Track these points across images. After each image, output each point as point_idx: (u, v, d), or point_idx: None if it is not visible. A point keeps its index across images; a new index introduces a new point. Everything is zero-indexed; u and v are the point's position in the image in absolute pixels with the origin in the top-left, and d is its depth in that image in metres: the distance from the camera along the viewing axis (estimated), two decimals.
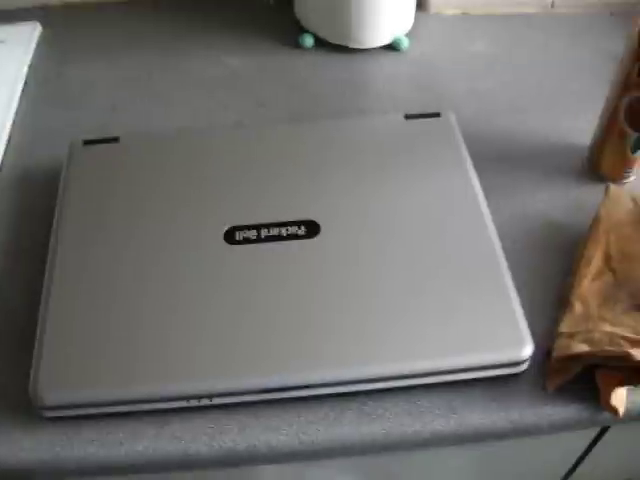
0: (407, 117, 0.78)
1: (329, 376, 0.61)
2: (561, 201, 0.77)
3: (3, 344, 0.67)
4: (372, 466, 0.76)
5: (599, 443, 0.78)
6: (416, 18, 0.95)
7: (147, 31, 0.98)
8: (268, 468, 0.72)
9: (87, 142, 0.77)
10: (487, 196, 0.72)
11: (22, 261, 0.73)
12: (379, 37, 0.92)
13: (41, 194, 0.77)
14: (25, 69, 0.92)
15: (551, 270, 0.71)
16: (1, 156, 0.83)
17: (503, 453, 0.76)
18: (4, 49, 0.94)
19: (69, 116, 0.87)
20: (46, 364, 0.61)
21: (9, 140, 0.85)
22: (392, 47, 0.94)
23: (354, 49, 0.93)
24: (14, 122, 0.86)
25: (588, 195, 0.77)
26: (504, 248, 0.68)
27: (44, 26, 0.98)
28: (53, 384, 0.61)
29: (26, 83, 0.91)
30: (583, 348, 0.61)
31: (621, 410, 0.61)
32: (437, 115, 0.78)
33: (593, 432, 0.76)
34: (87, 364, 0.62)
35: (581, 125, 0.82)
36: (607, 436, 0.76)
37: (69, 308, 0.64)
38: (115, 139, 0.77)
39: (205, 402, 0.61)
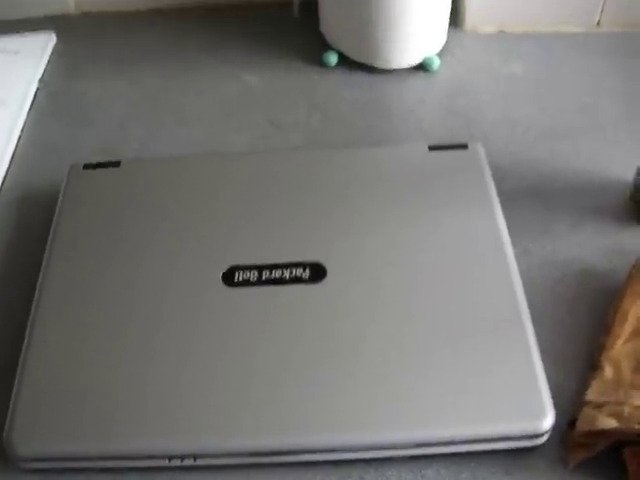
0: (431, 148, 0.72)
1: (327, 441, 0.56)
2: (598, 245, 0.70)
3: None
4: None
5: None
6: (449, 36, 0.90)
7: (166, 44, 0.94)
8: None
9: (87, 166, 0.73)
10: (515, 238, 0.66)
11: (13, 287, 0.69)
12: (408, 56, 0.87)
13: (40, 214, 0.73)
14: (35, 82, 0.89)
15: (582, 325, 0.64)
16: (4, 172, 0.80)
17: None
18: (16, 61, 0.91)
19: (76, 133, 0.84)
20: (23, 412, 0.57)
21: (13, 156, 0.81)
22: (422, 67, 0.88)
23: (381, 69, 0.88)
24: (20, 137, 0.84)
25: (630, 239, 0.70)
26: (531, 298, 0.62)
27: (60, 36, 0.95)
28: (29, 434, 0.56)
29: (36, 96, 0.88)
30: (611, 424, 0.55)
31: None
32: (464, 147, 0.73)
33: None
34: (67, 414, 0.57)
35: (625, 158, 0.75)
36: None
37: (51, 351, 0.60)
38: (116, 163, 0.73)
39: (188, 462, 0.56)
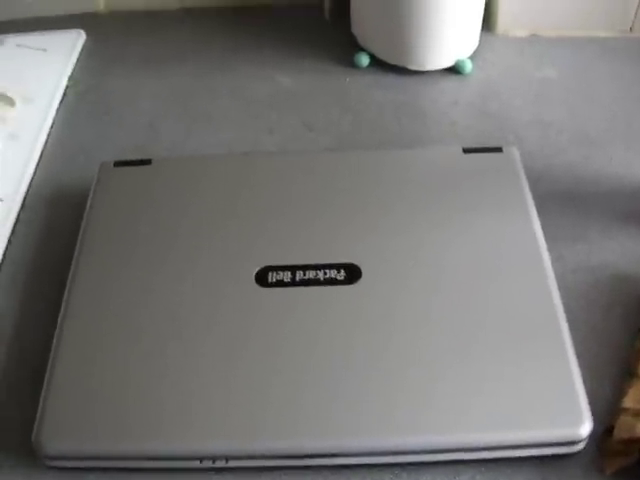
0: (466, 151, 0.71)
1: (361, 445, 0.55)
2: (634, 251, 0.69)
3: (13, 384, 0.62)
4: None
5: None
6: (481, 39, 0.89)
7: (197, 44, 0.94)
8: None
9: (118, 163, 0.72)
10: (550, 243, 0.65)
11: (43, 288, 0.69)
12: (441, 59, 0.86)
13: (70, 214, 0.73)
14: (65, 80, 0.89)
15: (616, 331, 0.63)
16: (32, 171, 0.79)
17: None
18: (45, 58, 0.91)
19: (105, 132, 0.84)
20: (52, 411, 0.56)
21: (42, 155, 0.81)
22: (454, 70, 0.87)
23: (413, 71, 0.87)
24: (49, 136, 0.83)
25: None
26: (565, 304, 0.61)
27: (89, 34, 0.95)
28: (58, 433, 0.56)
29: (65, 95, 0.88)
30: None
31: None
32: (499, 150, 0.72)
33: None
34: (96, 414, 0.56)
35: None
36: None
37: (81, 351, 0.59)
38: (147, 161, 0.72)
39: (220, 464, 0.56)
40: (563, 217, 0.72)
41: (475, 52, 0.89)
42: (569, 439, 0.55)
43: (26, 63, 0.89)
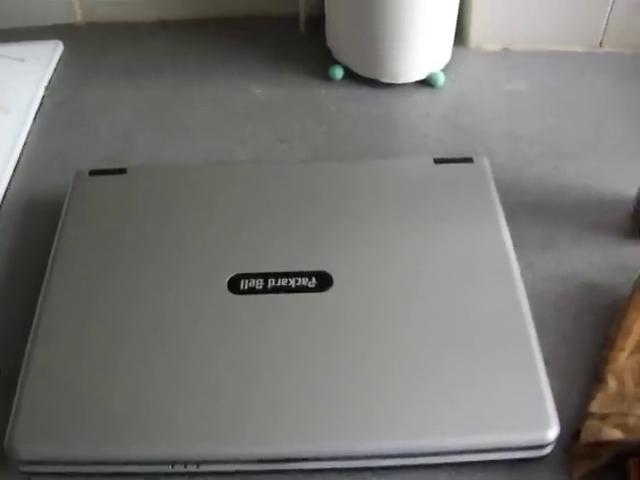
0: (437, 161, 0.73)
1: (332, 449, 0.55)
2: (600, 260, 0.70)
3: None
4: None
5: None
6: (454, 53, 0.90)
7: (174, 56, 0.95)
8: None
9: (93, 172, 0.73)
10: (519, 252, 0.66)
11: (17, 295, 0.69)
12: (413, 72, 0.87)
13: (45, 222, 0.73)
14: (42, 90, 0.89)
15: (585, 339, 0.64)
16: (8, 179, 0.79)
17: None
18: (23, 68, 0.91)
19: (81, 142, 0.84)
20: (25, 415, 0.56)
21: (17, 163, 0.81)
22: (427, 83, 0.88)
23: (386, 83, 0.88)
24: (25, 144, 0.83)
25: (631, 254, 0.70)
26: (535, 312, 0.62)
27: (67, 45, 0.95)
28: (31, 437, 0.56)
29: (42, 104, 0.88)
30: (615, 434, 0.55)
31: None
32: (469, 160, 0.73)
33: None
34: (69, 419, 0.56)
35: (627, 175, 0.76)
36: None
37: (55, 356, 0.59)
38: (122, 170, 0.73)
39: (192, 468, 0.56)
40: (532, 227, 0.73)
41: (447, 65, 0.90)
42: (537, 443, 0.55)
43: (3, 73, 0.89)
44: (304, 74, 0.91)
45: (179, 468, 0.56)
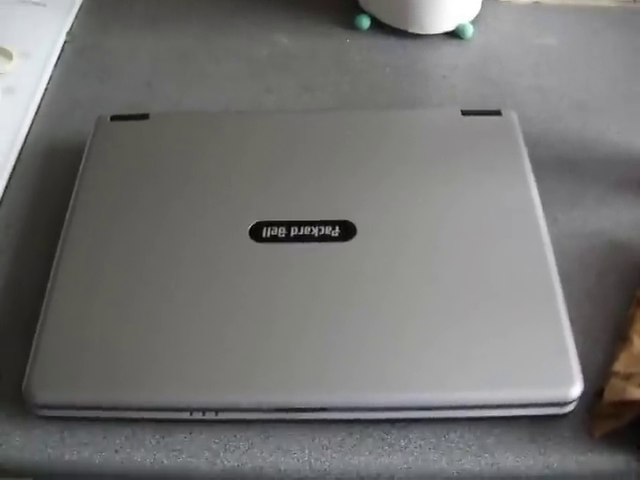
0: (464, 113, 0.71)
1: (349, 400, 0.55)
2: (628, 218, 0.69)
3: (5, 335, 0.62)
4: None
5: None
6: (483, 5, 0.88)
7: (196, 5, 0.92)
8: None
9: (114, 117, 0.72)
10: (545, 208, 0.65)
11: (36, 241, 0.68)
12: (442, 23, 0.85)
13: (65, 169, 0.72)
14: (63, 36, 0.88)
15: (611, 297, 0.63)
16: (28, 126, 0.78)
17: None
18: (44, 14, 0.89)
19: (102, 89, 0.83)
20: (43, 360, 0.56)
21: (38, 110, 0.80)
22: (455, 34, 0.86)
23: (414, 34, 0.86)
24: (45, 90, 0.82)
25: None
26: (560, 267, 0.61)
27: None
28: (48, 382, 0.56)
29: (62, 51, 0.87)
30: (639, 394, 0.54)
31: None
32: (498, 113, 0.71)
33: None
34: (87, 364, 0.56)
35: None
36: None
37: (73, 302, 0.59)
38: (145, 116, 0.72)
39: (210, 416, 0.56)
40: (559, 183, 0.71)
41: (477, 17, 0.88)
42: (559, 400, 0.55)
43: (24, 17, 0.88)
44: (330, 23, 0.89)
45: (197, 415, 0.56)
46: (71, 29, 0.89)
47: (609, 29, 0.89)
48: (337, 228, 0.62)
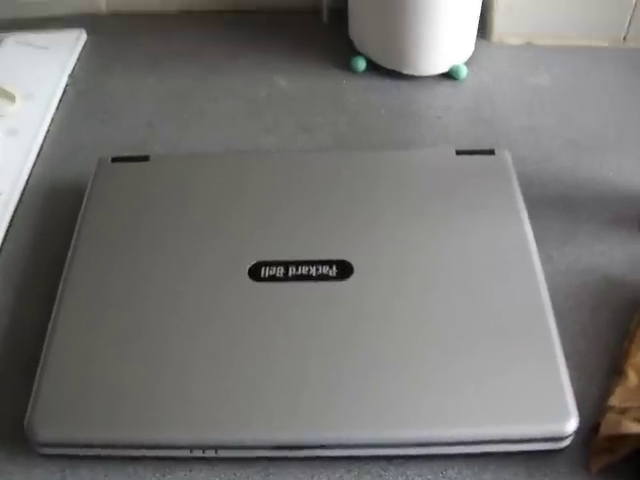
0: (459, 153, 0.72)
1: (348, 437, 0.56)
2: (622, 254, 0.70)
3: (7, 374, 0.63)
4: None
5: None
6: (477, 46, 0.90)
7: (196, 46, 0.95)
8: None
9: (115, 159, 0.73)
10: (539, 245, 0.66)
11: (38, 281, 0.69)
12: (436, 64, 0.87)
13: (67, 209, 0.73)
14: (65, 78, 0.90)
15: (605, 332, 0.64)
16: (30, 167, 0.80)
17: None
18: (46, 56, 0.92)
19: (104, 130, 0.84)
20: (45, 398, 0.57)
21: (40, 150, 0.82)
22: (449, 76, 0.88)
23: (408, 75, 0.88)
24: (48, 132, 0.84)
25: None
26: (554, 304, 0.62)
27: (90, 34, 0.96)
28: (50, 420, 0.56)
29: (65, 92, 0.88)
30: (635, 428, 0.55)
31: None
32: (491, 152, 0.72)
33: None
34: (88, 402, 0.57)
35: None
36: None
37: (74, 341, 0.60)
38: (145, 158, 0.73)
39: (210, 454, 0.56)
40: (553, 220, 0.72)
41: (470, 59, 0.90)
42: (556, 435, 0.55)
43: (28, 60, 0.90)
44: (326, 65, 0.91)
45: (197, 453, 0.56)
46: (73, 71, 0.91)
47: (600, 68, 0.90)
48: (334, 267, 0.63)
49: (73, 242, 0.67)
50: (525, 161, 0.77)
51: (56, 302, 0.63)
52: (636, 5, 0.88)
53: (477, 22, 0.88)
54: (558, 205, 0.74)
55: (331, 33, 0.94)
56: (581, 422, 0.55)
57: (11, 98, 0.84)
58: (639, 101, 0.86)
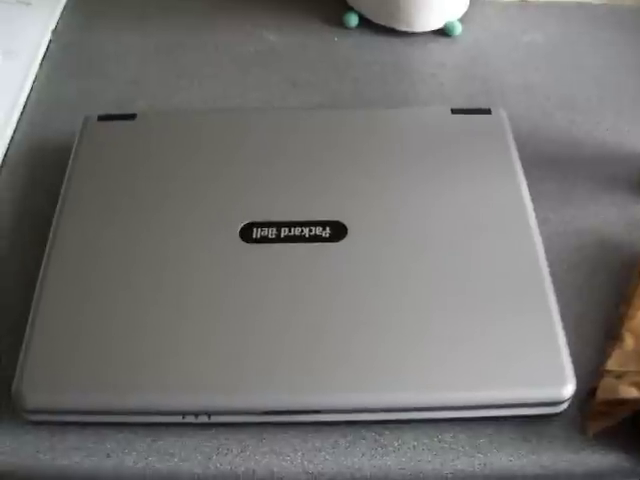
0: (454, 111, 0.71)
1: (342, 401, 0.55)
2: (618, 216, 0.69)
3: None
4: None
5: None
6: (471, 2, 0.88)
7: (183, 1, 0.92)
8: None
9: (102, 117, 0.71)
10: (536, 205, 0.65)
11: (25, 241, 0.68)
12: (430, 20, 0.85)
13: (52, 169, 0.71)
14: (48, 34, 0.87)
15: (602, 295, 0.63)
16: (14, 126, 0.77)
17: None
18: (29, 12, 0.88)
19: (89, 88, 0.82)
20: (32, 364, 0.56)
21: (23, 110, 0.79)
22: (443, 32, 0.86)
23: (402, 32, 0.86)
24: (31, 90, 0.81)
25: None
26: (550, 266, 0.61)
27: None
28: (38, 386, 0.55)
29: (48, 49, 0.86)
30: (632, 393, 0.54)
31: None
32: (487, 112, 0.71)
33: None
34: (77, 367, 0.56)
35: None
36: None
37: (62, 304, 0.59)
38: (132, 116, 0.71)
39: (203, 419, 0.55)
40: (548, 181, 0.71)
41: (465, 15, 0.88)
42: (552, 399, 0.55)
43: (9, 16, 0.87)
44: (318, 21, 0.88)
45: (190, 419, 0.55)
46: (56, 27, 0.88)
47: (595, 27, 0.88)
48: (328, 228, 0.61)
49: (59, 202, 0.65)
50: (519, 119, 0.75)
51: (42, 265, 0.61)
52: None
53: None
54: (553, 166, 0.73)
55: None
56: (578, 386, 0.55)
57: None
58: (635, 60, 0.85)
